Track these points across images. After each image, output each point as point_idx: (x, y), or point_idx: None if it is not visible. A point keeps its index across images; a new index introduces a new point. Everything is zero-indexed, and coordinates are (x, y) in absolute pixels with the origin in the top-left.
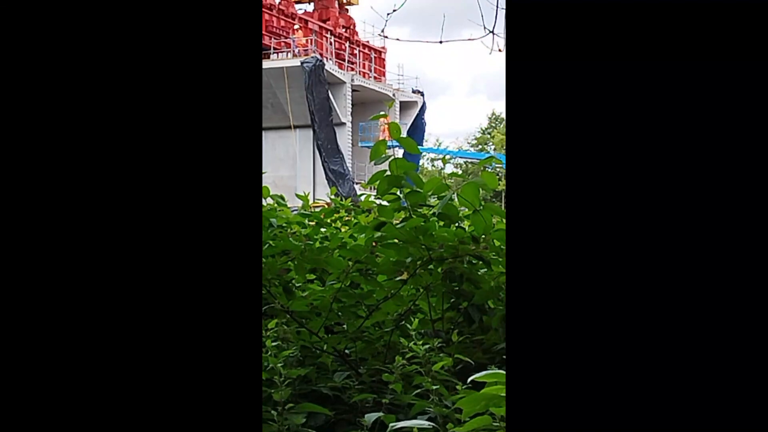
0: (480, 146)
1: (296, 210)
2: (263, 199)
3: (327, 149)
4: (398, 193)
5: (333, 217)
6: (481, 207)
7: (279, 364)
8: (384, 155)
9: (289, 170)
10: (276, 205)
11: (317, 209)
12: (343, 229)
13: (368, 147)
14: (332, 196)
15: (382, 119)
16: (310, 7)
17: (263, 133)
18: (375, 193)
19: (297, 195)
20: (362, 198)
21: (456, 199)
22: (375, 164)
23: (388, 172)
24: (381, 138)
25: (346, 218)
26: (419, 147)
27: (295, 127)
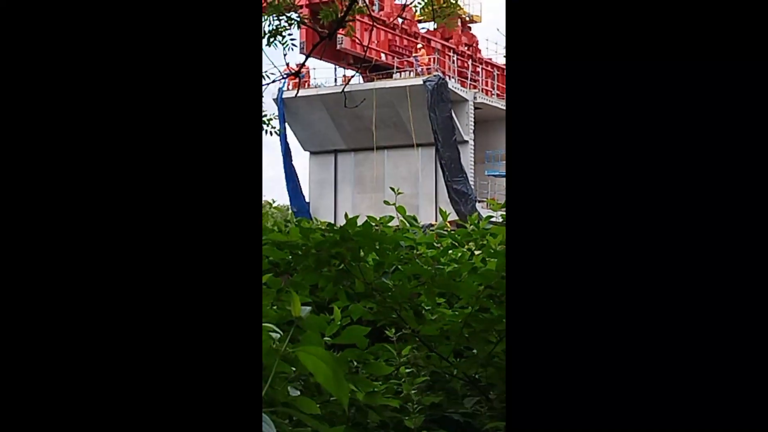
0: None
1: (424, 228)
2: (398, 217)
3: (450, 168)
4: None
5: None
6: None
7: (412, 391)
8: None
9: (411, 188)
10: (408, 225)
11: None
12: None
13: (495, 176)
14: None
15: None
16: (432, 26)
17: (386, 151)
18: (498, 214)
19: (440, 210)
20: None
21: None
22: None
23: None
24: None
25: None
26: None
27: (418, 145)
